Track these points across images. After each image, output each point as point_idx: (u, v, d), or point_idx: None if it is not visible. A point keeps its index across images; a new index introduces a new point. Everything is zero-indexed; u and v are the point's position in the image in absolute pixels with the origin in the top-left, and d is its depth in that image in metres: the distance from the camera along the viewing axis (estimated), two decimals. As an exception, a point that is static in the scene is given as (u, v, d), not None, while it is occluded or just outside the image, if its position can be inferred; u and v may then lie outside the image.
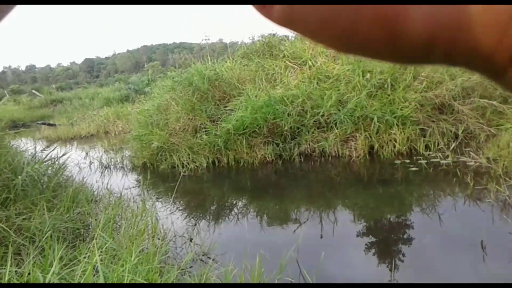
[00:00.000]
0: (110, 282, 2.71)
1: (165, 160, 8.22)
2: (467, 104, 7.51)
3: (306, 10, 0.17)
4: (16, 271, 2.81)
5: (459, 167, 5.99)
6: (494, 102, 7.31)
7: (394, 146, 7.24)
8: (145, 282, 2.84)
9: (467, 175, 5.40)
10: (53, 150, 6.11)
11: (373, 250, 4.02)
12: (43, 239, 3.45)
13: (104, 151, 10.48)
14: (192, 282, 3.15)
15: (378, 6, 0.16)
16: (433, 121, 7.49)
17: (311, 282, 3.29)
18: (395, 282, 3.33)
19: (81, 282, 2.64)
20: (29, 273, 2.70)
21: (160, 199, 6.23)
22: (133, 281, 2.81)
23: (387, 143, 7.31)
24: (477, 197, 4.88)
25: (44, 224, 3.72)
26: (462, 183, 5.37)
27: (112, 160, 9.19)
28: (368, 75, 7.85)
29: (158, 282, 2.97)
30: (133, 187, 6.92)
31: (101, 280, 2.62)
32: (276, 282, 3.28)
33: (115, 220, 4.39)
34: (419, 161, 6.65)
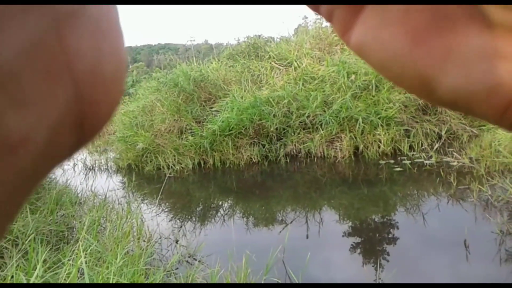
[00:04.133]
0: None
1: (150, 161, 8.18)
2: (450, 105, 7.60)
3: (370, 53, 0.19)
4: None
5: (443, 167, 6.07)
6: (476, 103, 7.42)
7: (379, 147, 7.31)
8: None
9: (450, 175, 5.48)
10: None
11: (358, 250, 4.04)
12: (26, 241, 3.40)
13: (88, 153, 10.37)
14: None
15: (419, 67, 0.18)
16: (417, 122, 7.58)
17: (297, 282, 3.31)
18: (380, 281, 3.36)
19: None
20: (12, 276, 2.66)
21: (146, 201, 6.19)
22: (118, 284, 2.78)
23: (372, 143, 7.37)
24: (460, 197, 4.95)
25: (27, 227, 3.67)
26: (445, 183, 5.45)
27: (97, 161, 9.11)
28: (353, 77, 7.91)
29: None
30: (118, 189, 6.85)
31: (86, 283, 2.59)
32: (262, 281, 3.29)
33: (99, 223, 4.35)
34: (403, 162, 6.72)
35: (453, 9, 0.17)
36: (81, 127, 0.16)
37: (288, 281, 3.41)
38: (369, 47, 0.19)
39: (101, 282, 2.70)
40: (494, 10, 0.16)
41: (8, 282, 2.63)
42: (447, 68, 0.17)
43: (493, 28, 0.16)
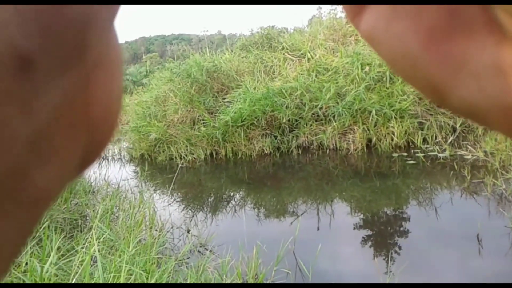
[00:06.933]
0: (108, 272, 2.72)
1: (163, 151, 8.22)
2: (465, 98, 7.50)
3: (380, 45, 0.18)
4: (13, 261, 2.82)
5: (456, 161, 6.01)
6: (492, 96, 7.31)
7: (392, 139, 7.25)
8: (142, 272, 2.85)
9: (464, 169, 5.42)
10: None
11: (369, 243, 4.03)
12: (41, 229, 3.45)
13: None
14: (190, 273, 3.16)
15: (430, 72, 0.16)
16: (431, 115, 7.49)
17: (307, 273, 3.31)
18: (391, 274, 3.35)
19: (79, 272, 2.64)
20: (26, 263, 2.70)
21: (158, 191, 6.24)
22: (130, 272, 2.82)
23: (385, 136, 7.32)
24: (473, 191, 4.90)
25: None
26: (459, 176, 5.39)
27: (110, 151, 9.19)
28: (366, 68, 7.83)
29: (156, 272, 2.98)
30: (131, 178, 6.91)
31: (99, 270, 2.63)
32: (273, 272, 3.30)
33: (112, 211, 4.40)
34: (417, 154, 6.66)
35: (473, 14, 0.15)
36: (84, 162, 0.16)
37: (298, 273, 3.42)
38: (379, 38, 0.18)
39: (113, 269, 2.74)
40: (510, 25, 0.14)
41: (23, 268, 2.68)
42: (459, 79, 0.16)
43: (510, 43, 0.15)
